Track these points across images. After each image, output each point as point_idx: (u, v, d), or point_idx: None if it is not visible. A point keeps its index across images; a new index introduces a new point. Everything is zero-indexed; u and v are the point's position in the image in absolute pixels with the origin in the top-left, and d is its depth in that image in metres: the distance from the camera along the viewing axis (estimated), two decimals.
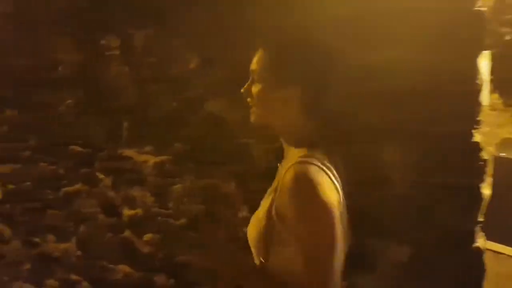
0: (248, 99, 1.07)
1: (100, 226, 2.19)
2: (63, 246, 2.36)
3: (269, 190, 1.08)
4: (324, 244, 0.90)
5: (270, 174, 1.66)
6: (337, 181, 0.97)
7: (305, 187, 0.90)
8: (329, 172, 0.95)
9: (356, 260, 1.48)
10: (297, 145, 1.02)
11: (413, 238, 1.41)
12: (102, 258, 2.21)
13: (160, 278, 2.01)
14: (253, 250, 1.08)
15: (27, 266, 2.57)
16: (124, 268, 2.13)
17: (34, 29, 2.24)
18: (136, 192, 2.05)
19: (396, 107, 1.44)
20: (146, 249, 2.04)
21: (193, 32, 1.79)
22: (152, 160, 1.98)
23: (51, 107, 2.25)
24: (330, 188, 0.94)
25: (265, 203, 1.05)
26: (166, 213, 1.97)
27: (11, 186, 2.56)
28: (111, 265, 2.18)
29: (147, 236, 2.03)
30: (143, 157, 2.01)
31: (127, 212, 2.09)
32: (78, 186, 2.26)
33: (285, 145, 1.09)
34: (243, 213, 1.75)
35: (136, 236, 2.08)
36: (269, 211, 0.99)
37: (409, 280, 1.40)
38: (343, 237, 0.96)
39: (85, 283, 2.31)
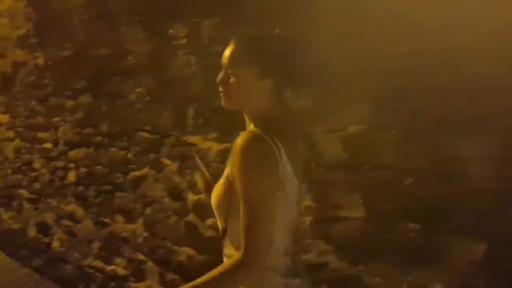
0: (221, 88, 1.14)
1: (166, 209, 2.28)
2: (131, 227, 2.49)
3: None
4: (257, 204, 0.99)
5: (335, 164, 1.65)
6: (284, 158, 1.03)
7: (249, 150, 1.00)
8: (274, 147, 1.01)
9: (432, 255, 1.44)
10: (257, 125, 1.10)
11: (489, 233, 1.33)
12: (167, 240, 2.31)
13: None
14: (216, 215, 1.17)
15: (97, 244, 2.74)
16: (188, 250, 2.21)
17: (106, 20, 2.36)
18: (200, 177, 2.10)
19: (473, 100, 1.35)
20: (209, 233, 2.09)
21: (259, 19, 1.78)
22: (216, 147, 2.02)
23: (122, 95, 2.36)
24: (272, 158, 1.01)
25: (226, 171, 1.13)
26: None
27: (84, 170, 2.73)
28: (175, 247, 2.27)
29: (211, 220, 2.08)
30: (208, 144, 2.05)
31: (191, 197, 2.15)
32: (145, 170, 2.36)
33: (247, 121, 1.17)
34: (306, 202, 1.73)
35: (200, 220, 2.14)
36: (227, 176, 1.09)
37: (485, 276, 1.32)
38: (288, 207, 1.07)
39: (150, 263, 2.42)
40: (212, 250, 2.09)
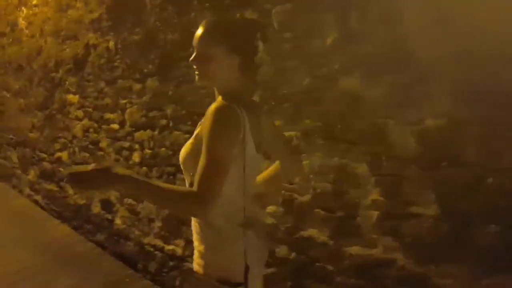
0: (194, 66, 1.29)
1: None
2: None
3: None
4: (215, 155, 1.15)
5: (407, 159, 1.58)
6: (247, 126, 1.23)
7: (219, 112, 1.18)
8: (240, 115, 1.20)
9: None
10: (225, 98, 1.25)
11: None
12: None
13: (281, 250, 2.06)
14: (183, 171, 1.34)
15: (158, 224, 2.83)
16: None
17: (177, 5, 2.40)
18: None
19: None
20: (268, 221, 2.09)
21: (333, 6, 1.73)
22: None
23: (188, 80, 2.40)
24: (236, 122, 1.20)
25: (196, 131, 1.30)
26: (291, 187, 1.98)
27: (148, 151, 2.82)
28: None
29: (270, 208, 2.08)
30: None
31: None
32: None
33: (216, 96, 1.34)
34: (374, 196, 1.68)
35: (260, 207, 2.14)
36: (196, 135, 1.27)
37: None
38: (246, 168, 1.24)
39: None
40: (270, 238, 2.10)
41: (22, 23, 4.07)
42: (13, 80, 4.41)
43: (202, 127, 1.22)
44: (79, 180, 1.20)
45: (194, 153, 1.23)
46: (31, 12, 3.89)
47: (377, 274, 1.73)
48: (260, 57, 2.01)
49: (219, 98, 1.28)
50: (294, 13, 1.87)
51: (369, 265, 1.75)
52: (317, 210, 1.90)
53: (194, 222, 1.39)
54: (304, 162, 1.91)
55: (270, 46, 1.98)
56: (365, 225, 1.73)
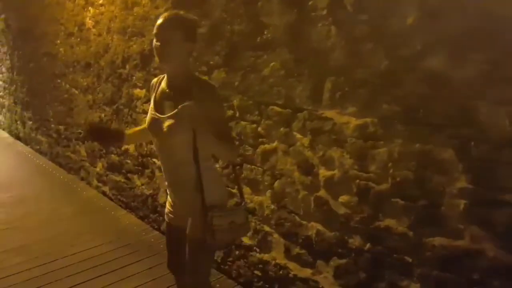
0: (155, 52, 1.64)
1: (295, 183, 2.28)
2: (258, 198, 2.55)
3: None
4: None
5: (500, 142, 1.47)
6: None
7: (215, 89, 1.74)
8: None
9: None
10: (185, 75, 1.71)
11: None
12: (295, 214, 2.31)
13: (355, 241, 2.00)
14: (171, 137, 1.69)
15: None
16: (316, 225, 2.19)
17: None
18: (334, 153, 2.06)
19: None
20: (341, 210, 2.05)
21: None
22: (354, 121, 1.95)
23: (256, 70, 2.39)
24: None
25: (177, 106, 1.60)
26: (366, 176, 1.92)
27: None
28: (303, 222, 2.26)
29: (343, 198, 2.03)
30: (345, 119, 1.99)
31: (323, 172, 2.12)
32: (275, 144, 2.39)
33: (171, 76, 1.74)
34: (461, 183, 1.59)
35: (332, 197, 2.10)
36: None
37: None
38: None
39: (276, 235, 2.46)
40: (343, 228, 2.05)
41: (89, 22, 4.26)
42: (81, 78, 4.64)
43: (203, 100, 1.60)
44: (96, 133, 1.82)
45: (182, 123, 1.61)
46: (97, 11, 4.07)
47: (463, 266, 1.64)
48: (332, 42, 1.97)
49: (200, 78, 1.81)
50: None
51: (454, 256, 1.66)
52: (396, 199, 1.83)
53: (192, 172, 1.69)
54: (382, 150, 1.85)
55: (343, 29, 1.93)
56: (451, 214, 1.64)
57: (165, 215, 1.98)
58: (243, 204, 1.87)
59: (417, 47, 1.66)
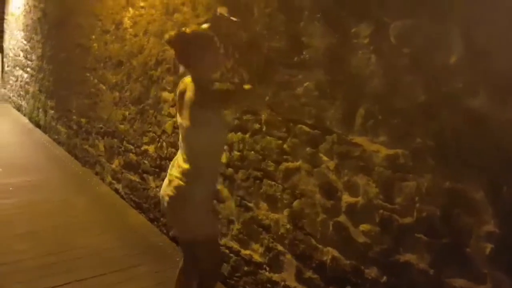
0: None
1: (315, 205, 2.27)
2: (274, 216, 2.53)
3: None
4: None
5: None
6: None
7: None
8: None
9: None
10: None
11: None
12: (311, 236, 2.29)
13: (371, 272, 1.97)
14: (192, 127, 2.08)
15: (237, 226, 2.84)
16: (332, 251, 2.17)
17: (287, 14, 2.43)
18: (360, 180, 2.04)
19: None
20: (361, 239, 2.02)
21: (459, 21, 1.66)
22: (384, 151, 1.94)
23: (289, 87, 2.41)
24: None
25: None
26: (391, 208, 1.90)
27: (236, 153, 2.86)
28: (319, 245, 2.24)
29: (365, 226, 2.01)
30: (375, 147, 1.98)
31: (346, 198, 2.10)
32: (299, 163, 2.38)
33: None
34: (490, 227, 1.56)
35: (352, 224, 2.08)
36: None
37: None
38: None
39: (289, 256, 2.44)
40: (361, 257, 2.03)
41: (127, 22, 4.36)
42: (111, 74, 4.72)
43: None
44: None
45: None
46: (137, 13, 4.16)
47: None
48: (371, 70, 1.98)
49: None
50: (414, 28, 1.82)
51: None
52: (419, 235, 1.80)
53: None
54: (410, 183, 1.83)
55: (383, 59, 1.94)
56: (476, 257, 1.61)
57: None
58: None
59: (458, 85, 1.66)
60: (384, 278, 1.92)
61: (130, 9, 4.28)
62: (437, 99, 1.73)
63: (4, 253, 3.00)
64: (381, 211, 1.94)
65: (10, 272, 2.74)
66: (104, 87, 4.88)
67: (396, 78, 1.89)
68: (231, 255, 2.86)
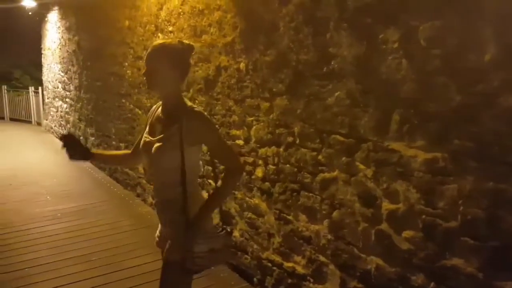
0: (145, 78, 1.78)
1: (355, 214, 2.26)
2: (314, 227, 2.54)
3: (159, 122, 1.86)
4: (224, 142, 2.05)
5: None
6: None
7: (204, 115, 1.82)
8: None
9: None
10: (174, 101, 1.80)
11: None
12: (353, 246, 2.28)
13: (418, 279, 1.94)
14: (156, 161, 1.82)
15: (278, 239, 2.86)
16: (376, 260, 2.14)
17: (312, 27, 2.46)
18: (399, 186, 2.02)
19: None
20: (405, 246, 1.99)
21: (491, 19, 1.64)
22: (422, 155, 1.92)
23: (320, 98, 2.43)
24: None
25: (165, 130, 1.79)
26: (433, 212, 1.87)
27: (272, 167, 2.89)
28: (362, 254, 2.22)
29: (407, 233, 1.98)
30: (412, 152, 1.96)
31: (387, 205, 2.08)
32: (335, 173, 2.39)
33: (163, 102, 1.86)
34: None
35: (394, 231, 2.05)
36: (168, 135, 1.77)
37: None
38: None
39: (332, 266, 2.42)
40: (406, 264, 2.00)
41: None
42: (145, 99, 4.89)
43: (201, 130, 1.76)
44: (68, 139, 1.92)
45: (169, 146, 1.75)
46: (166, 37, 4.31)
47: None
48: (403, 75, 1.97)
49: (187, 104, 1.79)
50: (444, 29, 1.81)
51: None
52: (465, 238, 1.76)
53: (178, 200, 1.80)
54: (451, 186, 1.80)
55: (414, 62, 1.93)
56: None
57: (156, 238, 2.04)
58: (223, 230, 1.92)
59: (494, 83, 1.63)
60: (432, 284, 1.88)
61: (160, 34, 4.45)
62: (474, 100, 1.71)
63: (57, 277, 3.14)
64: (423, 216, 1.91)
65: None
66: (140, 112, 5.06)
67: (428, 80, 1.87)
68: (274, 268, 2.87)
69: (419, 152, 1.93)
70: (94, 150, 2.15)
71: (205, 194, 2.53)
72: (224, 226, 1.94)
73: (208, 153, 1.90)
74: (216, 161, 2.20)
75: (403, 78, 1.97)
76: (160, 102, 1.91)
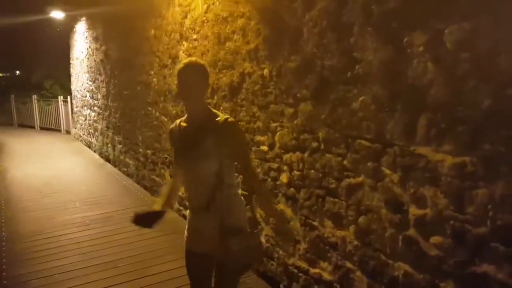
0: (180, 92, 2.01)
1: (382, 220, 2.23)
2: (340, 233, 2.52)
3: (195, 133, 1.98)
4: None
5: None
6: None
7: (237, 124, 2.10)
8: None
9: None
10: (204, 112, 2.00)
11: None
12: (380, 252, 2.25)
13: (447, 285, 1.90)
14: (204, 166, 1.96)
15: (304, 246, 2.85)
16: (404, 266, 2.11)
17: (337, 32, 2.46)
18: (427, 191, 1.99)
19: None
20: (433, 252, 1.96)
21: None
22: (450, 160, 1.88)
23: (345, 103, 2.42)
24: None
25: (203, 142, 1.94)
26: (463, 218, 1.83)
27: (297, 173, 2.89)
28: (390, 261, 2.19)
29: (436, 239, 1.95)
30: (440, 156, 1.93)
31: (414, 210, 2.05)
32: (361, 178, 2.37)
33: (190, 114, 2.04)
34: None
35: (422, 237, 2.02)
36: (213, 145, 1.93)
37: None
38: None
39: (359, 273, 2.40)
40: (435, 270, 1.96)
41: (182, 55, 4.60)
42: (171, 106, 4.98)
43: (230, 137, 1.94)
44: (141, 221, 2.09)
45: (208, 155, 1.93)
46: (191, 45, 4.39)
47: None
48: (429, 78, 1.95)
49: (218, 114, 1.99)
50: (473, 31, 1.78)
51: None
52: (495, 244, 1.71)
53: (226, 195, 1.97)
54: (481, 191, 1.76)
55: (441, 66, 1.91)
56: None
57: (185, 243, 2.17)
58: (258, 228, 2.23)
59: None
60: None
61: (184, 42, 4.53)
62: (505, 103, 1.67)
63: (84, 283, 3.21)
64: (452, 222, 1.87)
65: None
66: (166, 119, 5.15)
67: (457, 84, 1.84)
68: (300, 274, 2.86)
69: (447, 156, 1.90)
70: (159, 202, 2.17)
71: None
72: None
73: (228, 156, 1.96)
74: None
75: (430, 82, 1.95)
76: (178, 121, 2.09)
